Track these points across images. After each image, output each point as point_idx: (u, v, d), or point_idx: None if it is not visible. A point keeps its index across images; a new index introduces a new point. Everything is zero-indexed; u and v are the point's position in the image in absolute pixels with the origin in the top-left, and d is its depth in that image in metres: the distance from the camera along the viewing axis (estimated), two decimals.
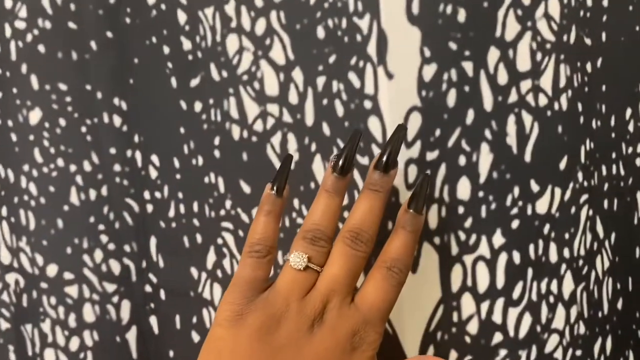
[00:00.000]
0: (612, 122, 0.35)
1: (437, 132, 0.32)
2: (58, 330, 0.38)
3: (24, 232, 0.38)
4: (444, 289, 0.33)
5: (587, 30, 0.33)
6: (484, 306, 0.33)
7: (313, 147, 0.33)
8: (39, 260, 0.37)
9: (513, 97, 0.32)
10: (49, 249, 0.37)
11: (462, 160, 0.32)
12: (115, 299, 0.38)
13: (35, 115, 0.37)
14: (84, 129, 0.37)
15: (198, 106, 0.35)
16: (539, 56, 0.32)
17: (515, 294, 0.33)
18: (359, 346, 0.29)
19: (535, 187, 0.32)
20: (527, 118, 0.32)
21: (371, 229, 0.30)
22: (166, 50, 0.36)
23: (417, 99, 0.31)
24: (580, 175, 0.33)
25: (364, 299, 0.29)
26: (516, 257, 0.33)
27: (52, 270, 0.37)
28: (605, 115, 0.35)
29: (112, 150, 0.37)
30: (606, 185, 0.35)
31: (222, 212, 0.36)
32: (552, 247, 0.33)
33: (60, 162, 0.37)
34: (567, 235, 0.33)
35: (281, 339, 0.29)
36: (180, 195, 0.37)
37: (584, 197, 0.34)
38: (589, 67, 0.34)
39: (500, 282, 0.33)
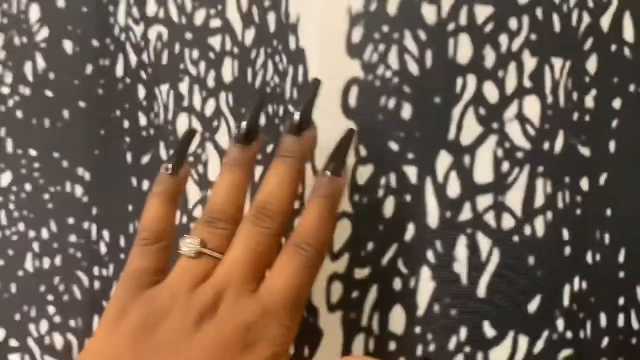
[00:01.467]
0: (622, 258, 0.27)
1: (370, 246, 0.26)
2: None
3: None
4: None
5: (583, 137, 0.26)
6: None
7: None
8: None
9: (466, 215, 0.25)
10: (4, 316, 0.37)
11: (397, 285, 0.26)
12: None
13: (6, 178, 0.37)
14: (46, 196, 0.37)
15: (145, 185, 0.34)
16: (505, 167, 0.25)
17: None
18: (254, 344, 0.23)
19: (490, 331, 0.25)
20: (484, 242, 0.25)
21: (281, 201, 0.25)
22: (126, 124, 0.34)
23: (348, 204, 0.26)
24: (560, 323, 0.26)
25: (267, 287, 0.24)
26: None
27: (0, 335, 0.37)
28: (609, 247, 0.27)
29: (71, 221, 0.36)
30: (606, 341, 0.27)
31: None
32: None
33: (21, 226, 0.37)
34: None
35: (161, 337, 0.24)
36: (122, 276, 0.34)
37: (566, 352, 0.26)
38: (584, 184, 0.26)
39: None
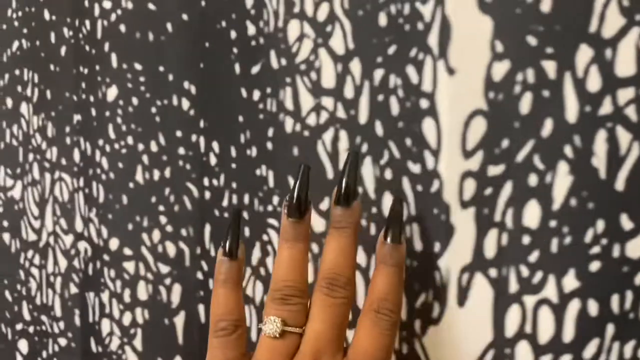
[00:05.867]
0: None
1: (505, 143, 0.26)
2: (114, 303, 0.39)
3: (94, 204, 0.39)
4: (497, 331, 0.27)
5: None
6: None
7: (364, 147, 0.30)
8: (104, 232, 0.39)
9: (607, 109, 0.25)
10: (113, 223, 0.38)
11: (532, 180, 0.26)
12: (167, 281, 0.38)
13: (112, 93, 0.38)
14: (153, 110, 0.37)
15: (256, 94, 0.34)
16: None
17: (588, 353, 0.26)
18: None
19: (627, 223, 0.26)
20: (623, 136, 0.25)
21: (347, 271, 0.27)
22: (233, 34, 0.34)
23: (482, 101, 0.26)
24: None
25: (357, 352, 0.26)
26: (592, 307, 0.26)
27: (114, 243, 0.39)
28: None
29: (178, 133, 0.37)
30: None
31: (270, 208, 0.34)
32: None
33: (129, 140, 0.38)
34: None
35: None
36: (234, 185, 0.35)
37: None
38: None
39: (568, 335, 0.26)
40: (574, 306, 0.26)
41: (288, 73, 0.32)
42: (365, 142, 0.30)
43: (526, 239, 0.27)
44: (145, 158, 0.38)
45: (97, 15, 0.38)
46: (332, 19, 0.31)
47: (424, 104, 0.28)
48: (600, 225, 0.26)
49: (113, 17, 0.37)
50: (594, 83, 0.25)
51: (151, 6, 0.37)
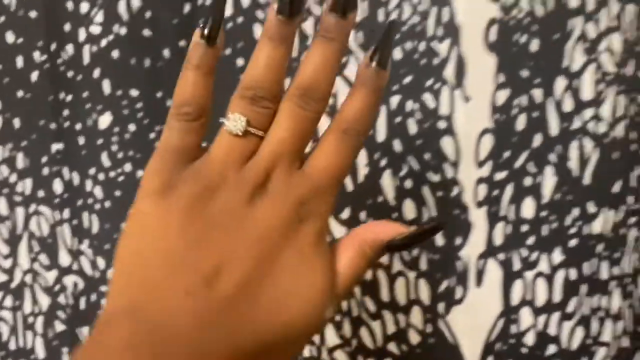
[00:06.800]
0: None
1: (506, 154, 0.34)
2: None
3: (86, 235, 0.38)
4: (505, 302, 0.34)
5: None
6: (541, 319, 0.35)
7: (383, 162, 0.35)
8: (101, 263, 0.38)
9: (576, 124, 0.34)
10: (111, 254, 0.37)
11: (527, 181, 0.34)
12: None
13: (105, 120, 0.37)
14: (152, 135, 0.37)
15: None
16: (600, 86, 0.34)
17: (570, 309, 0.35)
18: (307, 217, 0.25)
19: (592, 208, 0.34)
20: (588, 144, 0.34)
21: (325, 85, 0.25)
22: (240, 62, 0.37)
23: (489, 121, 0.33)
24: (630, 199, 0.36)
25: (314, 165, 0.25)
26: (572, 274, 0.35)
27: (101, 264, 0.38)
28: None
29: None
30: None
31: None
32: (604, 265, 0.35)
33: (127, 166, 0.37)
34: (616, 255, 0.36)
35: (216, 213, 0.24)
36: None
37: (633, 219, 0.36)
38: None
39: (557, 297, 0.35)
40: (560, 275, 0.34)
41: None
42: (384, 158, 0.35)
43: (524, 227, 0.34)
44: None
45: (83, 40, 0.37)
46: (347, 52, 0.35)
47: (441, 124, 0.33)
48: (576, 211, 0.34)
49: (104, 42, 0.36)
50: (567, 105, 0.33)
51: (146, 32, 0.37)
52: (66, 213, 0.38)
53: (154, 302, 0.23)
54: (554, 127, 0.33)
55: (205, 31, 0.25)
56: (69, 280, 0.39)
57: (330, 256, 0.25)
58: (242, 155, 0.25)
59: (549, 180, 0.34)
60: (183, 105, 0.25)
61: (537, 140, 0.33)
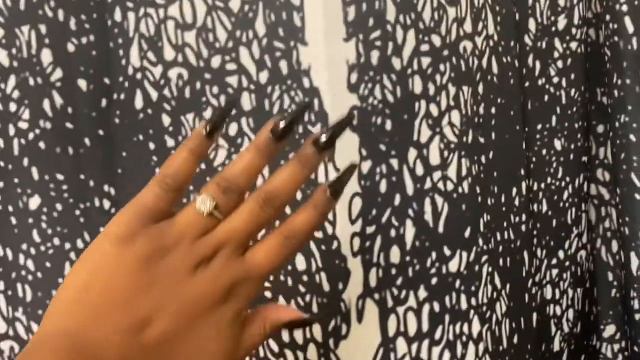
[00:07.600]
0: (503, 199, 0.46)
1: (374, 212, 0.41)
2: None
3: (21, 304, 0.43)
4: (383, 335, 0.41)
5: (480, 131, 0.44)
6: (414, 347, 0.42)
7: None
8: (35, 328, 0.43)
9: (428, 185, 0.42)
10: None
11: (393, 233, 0.41)
12: None
13: (34, 202, 0.43)
14: (77, 212, 0.43)
15: None
16: (446, 153, 0.42)
17: (437, 336, 0.42)
18: (232, 298, 0.30)
19: (447, 252, 0.42)
20: (439, 200, 0.42)
21: (286, 198, 0.31)
22: (152, 146, 0.43)
23: (358, 187, 0.41)
24: (480, 241, 0.44)
25: (253, 258, 0.30)
26: (436, 306, 0.42)
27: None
28: (497, 194, 0.46)
29: (102, 230, 0.44)
30: (501, 248, 0.46)
31: None
32: (463, 297, 0.43)
33: (56, 241, 0.43)
34: (473, 288, 0.43)
35: (163, 271, 0.29)
36: None
37: (485, 257, 0.44)
38: (483, 159, 0.45)
39: (425, 327, 0.42)
40: (426, 308, 0.42)
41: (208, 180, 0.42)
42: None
43: (394, 271, 0.41)
44: (72, 255, 0.43)
45: (13, 134, 0.42)
46: (242, 135, 0.42)
47: None
48: (434, 255, 0.42)
49: (31, 136, 0.42)
50: (420, 170, 0.42)
51: (69, 125, 0.43)
52: (1, 285, 0.43)
53: (93, 331, 0.28)
54: (410, 188, 0.41)
55: (209, 127, 0.31)
56: (6, 345, 0.43)
57: (239, 331, 0.31)
58: (200, 231, 0.30)
59: (409, 231, 0.41)
60: (168, 175, 0.30)
61: (397, 199, 0.41)
